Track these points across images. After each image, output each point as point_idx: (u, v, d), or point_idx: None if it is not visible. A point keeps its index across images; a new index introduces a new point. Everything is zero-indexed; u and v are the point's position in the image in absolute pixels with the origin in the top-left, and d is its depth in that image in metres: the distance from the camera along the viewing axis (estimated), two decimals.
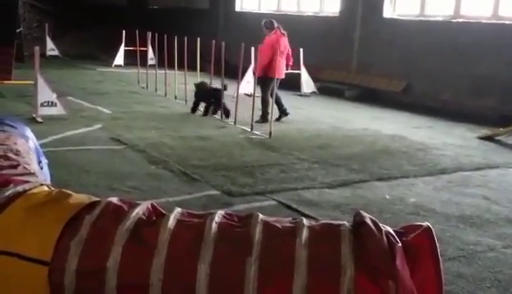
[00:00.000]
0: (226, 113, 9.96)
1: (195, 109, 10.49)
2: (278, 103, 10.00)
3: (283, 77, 10.13)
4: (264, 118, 9.66)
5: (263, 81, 9.81)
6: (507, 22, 11.37)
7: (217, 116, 10.11)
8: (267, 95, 9.86)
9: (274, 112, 9.18)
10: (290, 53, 10.39)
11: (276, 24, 10.02)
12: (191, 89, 10.89)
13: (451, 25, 12.45)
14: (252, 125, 9.10)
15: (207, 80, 10.76)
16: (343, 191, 6.06)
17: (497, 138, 9.34)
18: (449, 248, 4.49)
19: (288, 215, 4.50)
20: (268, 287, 2.49)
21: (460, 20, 12.29)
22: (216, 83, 10.50)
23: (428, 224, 2.82)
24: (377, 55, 14.02)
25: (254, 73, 9.86)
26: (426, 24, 13.03)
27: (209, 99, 10.29)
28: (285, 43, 10.00)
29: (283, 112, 10.14)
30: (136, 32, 14.22)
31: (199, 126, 9.28)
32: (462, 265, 4.20)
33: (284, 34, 10.01)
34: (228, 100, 10.27)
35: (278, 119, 9.92)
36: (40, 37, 19.35)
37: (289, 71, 10.63)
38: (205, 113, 10.33)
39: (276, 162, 7.11)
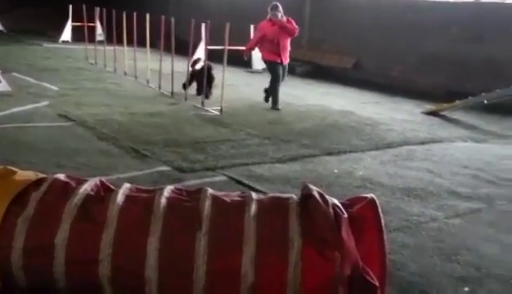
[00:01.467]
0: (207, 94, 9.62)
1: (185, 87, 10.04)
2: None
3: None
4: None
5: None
6: (451, 0, 11.64)
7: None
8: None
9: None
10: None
11: (270, 10, 9.41)
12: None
13: (399, 3, 12.65)
14: (203, 101, 9.07)
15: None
16: (293, 166, 6.14)
17: (442, 113, 9.61)
18: (394, 219, 4.63)
19: (238, 190, 4.53)
20: (218, 260, 2.54)
21: None
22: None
23: (373, 195, 2.92)
24: (327, 32, 14.14)
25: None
26: (375, 1, 13.20)
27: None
28: (277, 29, 9.30)
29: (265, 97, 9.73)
30: (83, 7, 13.86)
31: (150, 103, 9.18)
32: (406, 236, 4.35)
33: (274, 23, 9.32)
34: (183, 78, 10.11)
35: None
36: None
37: (240, 48, 10.55)
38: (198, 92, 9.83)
39: (227, 138, 7.13)
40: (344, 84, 12.55)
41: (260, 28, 9.64)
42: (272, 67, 9.56)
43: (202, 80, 9.44)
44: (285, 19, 9.42)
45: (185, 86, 9.97)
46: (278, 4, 9.44)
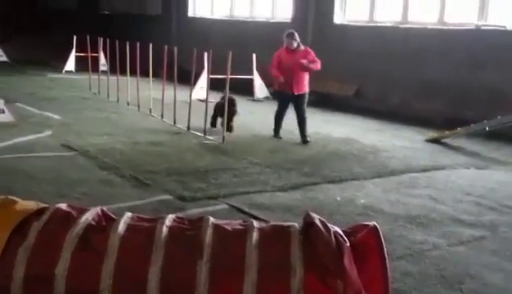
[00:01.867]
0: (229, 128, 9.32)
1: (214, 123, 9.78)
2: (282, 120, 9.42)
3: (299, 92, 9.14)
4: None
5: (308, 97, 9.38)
6: (451, 28, 11.75)
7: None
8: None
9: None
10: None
11: (285, 38, 9.08)
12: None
13: (399, 31, 12.76)
14: (205, 130, 9.10)
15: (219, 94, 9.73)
16: (294, 194, 6.14)
17: (443, 140, 9.62)
18: (397, 247, 4.61)
19: (240, 218, 4.52)
20: (219, 289, 2.52)
21: (408, 26, 12.62)
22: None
23: (375, 223, 2.91)
24: (329, 60, 14.16)
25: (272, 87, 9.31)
26: (375, 29, 13.32)
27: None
28: (292, 58, 8.95)
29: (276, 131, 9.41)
30: (88, 37, 14.02)
31: (153, 132, 9.22)
32: (409, 264, 4.32)
33: (292, 51, 9.02)
34: (185, 107, 10.03)
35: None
36: None
37: (242, 77, 10.59)
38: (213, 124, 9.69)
39: (228, 166, 7.14)
40: (346, 112, 12.59)
41: (276, 56, 9.28)
42: (278, 96, 9.50)
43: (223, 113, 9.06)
44: (302, 48, 9.11)
45: (214, 123, 9.72)
46: (294, 32, 9.11)
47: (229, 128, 9.22)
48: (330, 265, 2.60)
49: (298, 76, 8.99)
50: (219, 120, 9.60)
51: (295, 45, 9.05)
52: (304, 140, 9.02)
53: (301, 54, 9.02)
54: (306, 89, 9.17)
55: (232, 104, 9.41)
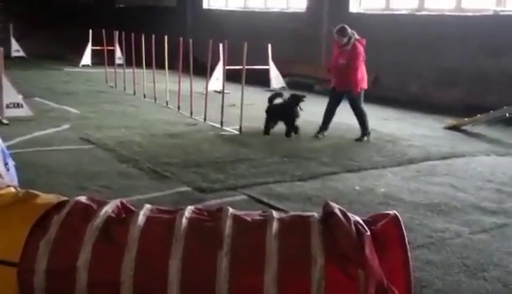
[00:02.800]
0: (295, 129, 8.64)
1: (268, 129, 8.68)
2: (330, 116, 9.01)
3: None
4: (366, 133, 8.65)
5: (358, 95, 8.72)
6: (469, 14, 11.58)
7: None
8: (362, 109, 8.86)
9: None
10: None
11: (350, 31, 8.60)
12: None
13: (415, 18, 12.62)
14: (222, 121, 9.09)
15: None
16: (313, 183, 6.11)
17: (463, 128, 9.52)
18: (418, 236, 4.57)
19: (259, 209, 4.51)
20: (240, 280, 2.51)
21: (425, 13, 12.47)
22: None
23: (396, 212, 2.88)
24: None
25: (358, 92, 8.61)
26: (392, 17, 13.19)
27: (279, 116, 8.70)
28: (339, 55, 8.74)
29: (324, 126, 8.95)
30: (103, 31, 14.07)
31: (170, 124, 9.24)
32: (431, 252, 4.28)
33: (341, 47, 8.69)
34: (201, 98, 10.02)
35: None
36: (4, 38, 18.99)
37: (258, 67, 10.58)
38: (266, 130, 8.64)
39: (246, 157, 7.12)
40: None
41: (362, 51, 8.69)
42: (329, 92, 9.19)
43: (283, 117, 8.55)
44: (349, 46, 8.51)
45: (267, 131, 8.65)
46: (344, 27, 8.60)
47: (295, 130, 8.54)
48: (351, 254, 2.58)
49: (339, 71, 8.64)
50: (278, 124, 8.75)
51: (344, 41, 8.55)
52: (361, 135, 8.59)
53: (347, 52, 8.57)
54: (352, 86, 8.59)
55: (298, 100, 8.65)
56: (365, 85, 8.75)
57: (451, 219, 5.06)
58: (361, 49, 8.56)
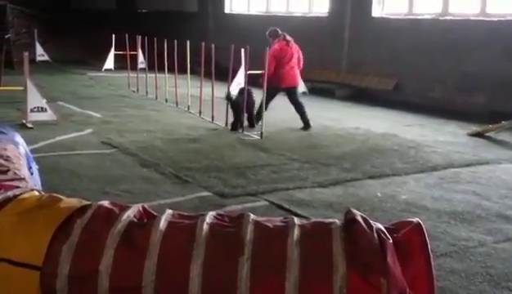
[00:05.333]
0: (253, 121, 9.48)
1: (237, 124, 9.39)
2: (300, 113, 9.75)
3: (295, 85, 9.87)
4: (251, 122, 9.56)
5: (268, 89, 9.31)
6: (495, 19, 11.45)
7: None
8: (266, 103, 9.44)
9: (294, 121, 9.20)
10: (302, 60, 10.06)
11: (279, 32, 9.84)
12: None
13: (439, 23, 12.51)
14: (243, 126, 9.10)
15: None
16: (334, 190, 6.07)
17: (487, 134, 9.39)
18: (441, 244, 4.51)
19: (280, 215, 4.51)
20: (261, 286, 2.50)
21: (448, 18, 12.35)
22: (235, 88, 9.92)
23: (419, 220, 2.84)
24: (367, 54, 14.07)
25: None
26: (415, 22, 13.09)
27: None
28: (291, 51, 9.75)
29: (306, 123, 9.68)
30: (126, 36, 14.19)
31: (191, 129, 9.27)
32: (454, 261, 4.23)
33: (288, 42, 9.77)
34: (223, 103, 10.07)
35: (303, 128, 9.60)
36: (29, 42, 19.25)
37: None
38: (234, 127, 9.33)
39: (267, 162, 7.12)
40: (385, 106, 12.42)
41: (276, 51, 9.78)
42: None
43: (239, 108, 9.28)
44: (272, 41, 9.86)
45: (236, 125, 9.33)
46: (271, 29, 10.04)
47: (250, 123, 9.37)
48: (373, 262, 2.55)
49: None
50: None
51: (270, 41, 9.90)
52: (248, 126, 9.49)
53: None
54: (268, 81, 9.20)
55: (249, 95, 9.43)
56: (277, 83, 9.52)
57: (475, 227, 4.99)
58: (273, 48, 9.62)
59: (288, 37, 9.83)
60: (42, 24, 20.61)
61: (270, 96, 9.52)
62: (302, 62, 10.09)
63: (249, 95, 9.49)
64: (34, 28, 19.43)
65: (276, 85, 9.55)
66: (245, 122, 9.46)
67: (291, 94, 9.85)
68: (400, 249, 2.63)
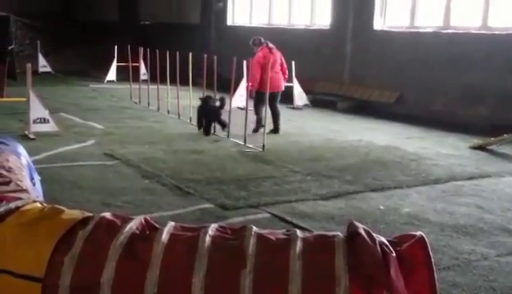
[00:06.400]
0: (223, 125, 9.91)
1: (201, 126, 10.08)
2: (274, 118, 10.23)
3: (279, 90, 10.38)
4: (256, 129, 10.00)
5: (256, 95, 10.04)
6: (496, 32, 11.47)
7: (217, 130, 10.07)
8: (257, 108, 10.07)
9: (268, 125, 9.22)
10: (285, 66, 10.67)
11: (262, 40, 10.37)
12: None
13: (441, 36, 12.54)
14: (245, 138, 9.11)
15: (210, 94, 10.47)
16: (336, 202, 6.06)
17: (489, 147, 9.38)
18: (444, 257, 4.49)
19: (282, 227, 4.49)
20: None
21: (450, 31, 12.39)
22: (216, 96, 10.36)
23: (422, 233, 2.83)
24: (369, 67, 14.10)
25: (251, 91, 10.06)
26: (416, 35, 13.12)
27: (209, 116, 10.03)
28: (274, 58, 10.19)
29: (276, 128, 10.25)
30: (129, 47, 14.25)
31: (193, 141, 9.28)
32: (457, 274, 4.21)
33: (271, 49, 10.26)
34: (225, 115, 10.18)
35: (272, 132, 10.03)
36: (32, 54, 19.35)
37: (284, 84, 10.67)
38: (206, 131, 9.92)
39: (269, 174, 7.11)
40: (387, 119, 12.42)
41: (260, 58, 10.24)
42: None
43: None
44: (256, 49, 10.37)
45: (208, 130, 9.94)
46: (254, 38, 10.57)
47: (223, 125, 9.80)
48: (376, 275, 2.54)
49: None
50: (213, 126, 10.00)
51: (254, 49, 10.43)
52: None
53: None
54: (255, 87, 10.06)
55: (206, 102, 10.02)
56: (263, 88, 9.56)
57: (478, 241, 4.97)
58: (258, 56, 10.15)
59: (270, 45, 10.31)
60: (45, 35, 20.71)
61: (260, 102, 9.87)
62: (285, 66, 10.67)
63: (206, 102, 9.99)
64: (37, 40, 19.53)
65: (263, 90, 9.74)
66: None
67: (273, 99, 10.13)
68: (403, 262, 2.61)
